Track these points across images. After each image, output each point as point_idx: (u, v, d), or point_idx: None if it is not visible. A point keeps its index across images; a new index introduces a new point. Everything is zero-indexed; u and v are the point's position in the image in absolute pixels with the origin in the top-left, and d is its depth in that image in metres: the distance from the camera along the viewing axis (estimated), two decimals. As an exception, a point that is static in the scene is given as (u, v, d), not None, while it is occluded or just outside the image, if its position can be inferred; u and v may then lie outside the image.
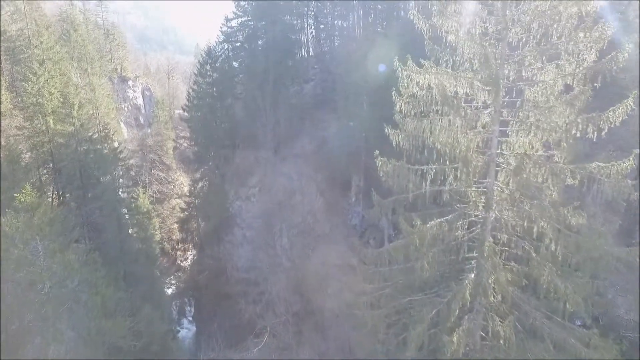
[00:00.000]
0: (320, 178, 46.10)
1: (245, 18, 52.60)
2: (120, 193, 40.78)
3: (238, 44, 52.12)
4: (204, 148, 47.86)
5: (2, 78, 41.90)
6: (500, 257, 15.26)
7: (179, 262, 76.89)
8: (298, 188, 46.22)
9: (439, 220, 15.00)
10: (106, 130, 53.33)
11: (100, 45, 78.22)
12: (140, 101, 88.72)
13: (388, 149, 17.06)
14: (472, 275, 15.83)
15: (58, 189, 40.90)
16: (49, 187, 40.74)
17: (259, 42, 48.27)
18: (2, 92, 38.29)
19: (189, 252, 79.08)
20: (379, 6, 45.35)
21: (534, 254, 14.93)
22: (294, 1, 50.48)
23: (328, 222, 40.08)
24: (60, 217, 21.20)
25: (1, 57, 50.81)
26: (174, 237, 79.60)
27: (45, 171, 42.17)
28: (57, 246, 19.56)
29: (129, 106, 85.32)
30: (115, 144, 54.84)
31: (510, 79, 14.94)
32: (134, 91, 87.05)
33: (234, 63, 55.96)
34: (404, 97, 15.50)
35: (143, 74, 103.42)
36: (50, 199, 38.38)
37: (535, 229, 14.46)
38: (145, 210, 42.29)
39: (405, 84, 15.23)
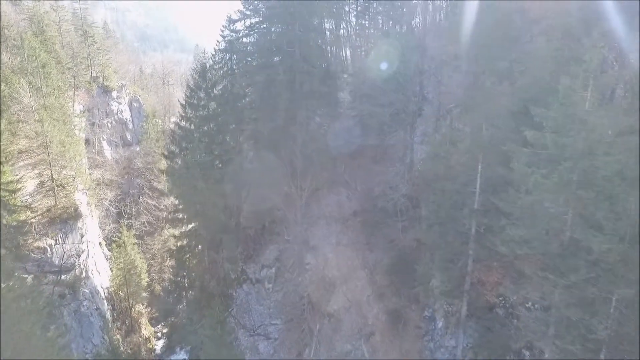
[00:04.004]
0: (373, 261, 28.59)
1: (257, 19, 34.34)
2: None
3: (249, 58, 33.72)
4: (193, 212, 29.18)
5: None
6: None
7: (171, 304, 59.50)
8: (338, 276, 28.62)
9: None
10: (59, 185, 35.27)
11: (75, 51, 59.50)
12: (127, 115, 70.41)
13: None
14: None
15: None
16: None
17: (277, 56, 29.52)
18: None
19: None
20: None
21: None
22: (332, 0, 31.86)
23: (394, 352, 22.50)
24: None
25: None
26: (166, 277, 62.35)
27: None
28: None
29: (113, 122, 67.03)
30: (80, 203, 36.51)
31: None
32: (119, 103, 68.71)
33: (239, 77, 37.37)
34: None
35: (133, 80, 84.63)
36: None
37: None
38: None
39: None
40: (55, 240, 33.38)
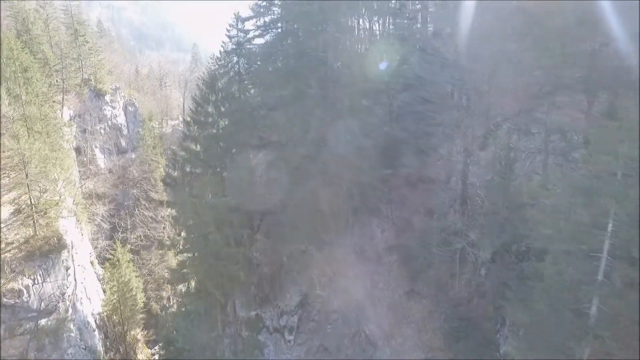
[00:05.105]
0: (420, 314, 23.08)
1: (273, 17, 28.49)
2: None
3: (258, 62, 27.75)
4: (204, 269, 22.52)
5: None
6: None
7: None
8: (378, 332, 22.99)
9: None
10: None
11: (64, 51, 53.27)
12: (121, 120, 64.31)
13: None
14: None
15: None
16: None
17: (306, 62, 23.30)
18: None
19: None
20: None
21: None
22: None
23: None
24: None
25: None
26: (164, 294, 56.76)
27: None
28: None
29: (106, 127, 60.93)
30: (65, 232, 30.35)
31: None
32: (113, 107, 62.61)
33: (249, 84, 31.43)
34: None
35: (128, 82, 78.38)
36: None
37: None
38: None
39: None
40: (34, 280, 27.42)
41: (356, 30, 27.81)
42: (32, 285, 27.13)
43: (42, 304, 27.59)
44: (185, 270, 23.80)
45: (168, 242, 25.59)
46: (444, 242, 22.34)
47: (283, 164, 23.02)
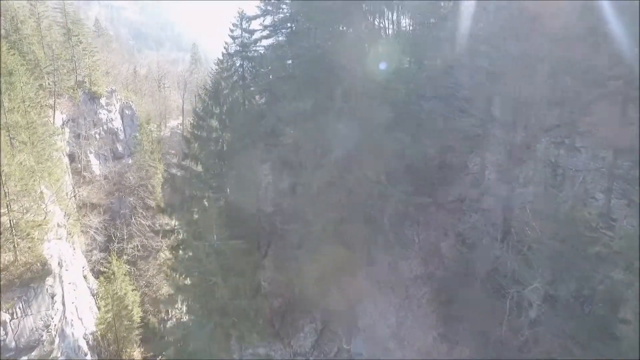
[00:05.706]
0: (455, 363, 19.48)
1: (280, 15, 25.02)
2: None
3: (268, 67, 24.22)
4: (209, 328, 18.85)
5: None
6: None
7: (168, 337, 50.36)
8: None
9: None
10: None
11: (55, 52, 49.61)
12: (117, 123, 60.63)
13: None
14: None
15: None
16: None
17: (324, 69, 19.49)
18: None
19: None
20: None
21: None
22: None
23: None
24: None
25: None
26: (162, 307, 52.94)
27: None
28: None
29: (101, 132, 57.25)
30: (50, 257, 26.63)
31: None
32: (109, 111, 58.92)
33: (255, 91, 27.99)
34: None
35: (125, 84, 74.64)
36: None
37: None
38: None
39: None
40: (13, 314, 23.88)
41: (383, 31, 24.25)
42: (10, 321, 23.67)
43: (22, 340, 24.12)
44: (186, 326, 20.14)
45: (165, 301, 21.84)
46: (488, 278, 18.91)
47: (299, 189, 19.51)
